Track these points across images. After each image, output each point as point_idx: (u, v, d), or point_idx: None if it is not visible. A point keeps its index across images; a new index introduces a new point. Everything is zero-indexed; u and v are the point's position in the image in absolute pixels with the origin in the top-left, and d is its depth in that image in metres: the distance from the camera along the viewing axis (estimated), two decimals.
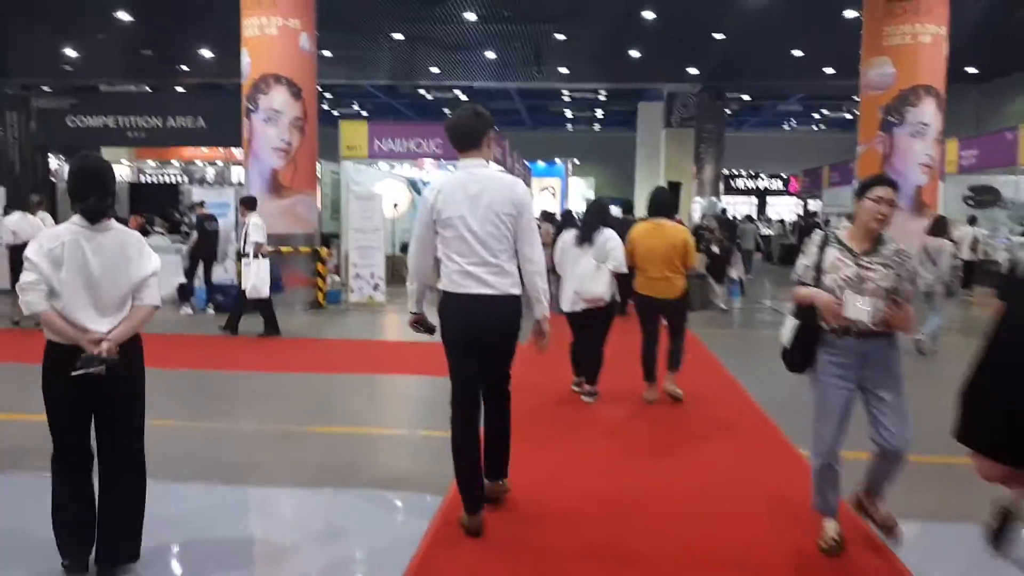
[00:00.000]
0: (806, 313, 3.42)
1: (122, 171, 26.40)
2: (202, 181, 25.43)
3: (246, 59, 11.70)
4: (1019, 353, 1.39)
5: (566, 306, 6.23)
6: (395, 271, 13.64)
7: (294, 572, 3.49)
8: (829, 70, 22.23)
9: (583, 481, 4.52)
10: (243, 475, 4.50)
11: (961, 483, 4.52)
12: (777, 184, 36.26)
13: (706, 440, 5.44)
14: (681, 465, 4.89)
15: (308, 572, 3.46)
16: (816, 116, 34.59)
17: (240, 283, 9.64)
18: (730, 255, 11.26)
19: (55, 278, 2.91)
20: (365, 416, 5.99)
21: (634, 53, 21.28)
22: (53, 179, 18.23)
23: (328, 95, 30.63)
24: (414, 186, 17.09)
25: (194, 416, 5.79)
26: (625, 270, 6.22)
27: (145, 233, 16.99)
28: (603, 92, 30.10)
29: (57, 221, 10.37)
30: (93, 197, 2.99)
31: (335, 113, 31.56)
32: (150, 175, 26.58)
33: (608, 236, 6.16)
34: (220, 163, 24.90)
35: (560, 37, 19.45)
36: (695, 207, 25.93)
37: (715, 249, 10.60)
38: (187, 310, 11.20)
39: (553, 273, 6.41)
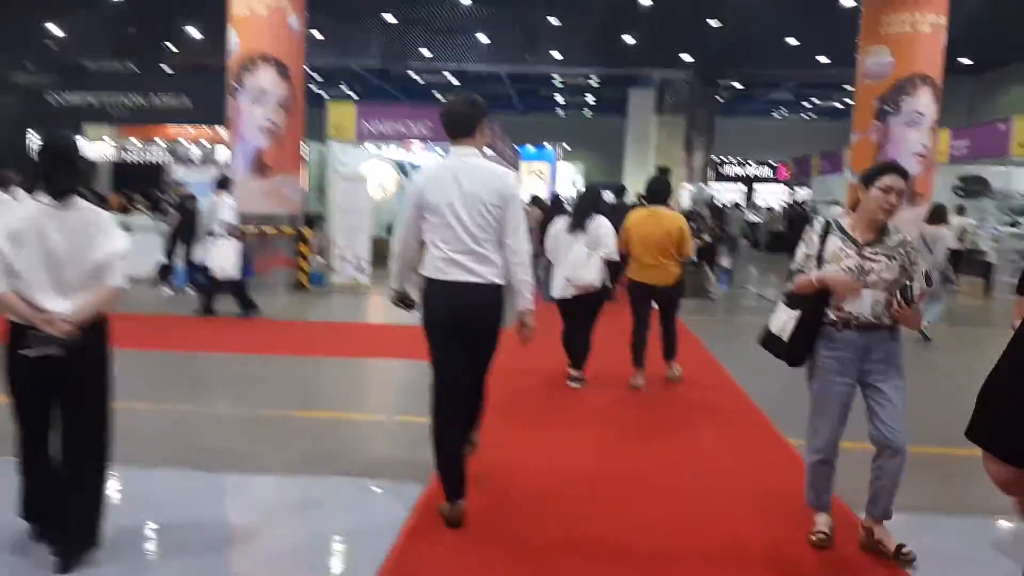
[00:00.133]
0: (807, 303, 3.27)
1: (105, 149, 26.05)
2: (187, 161, 25.11)
3: (233, 38, 11.46)
4: None
5: (556, 292, 6.19)
6: (380, 253, 13.46)
7: (269, 562, 3.37)
8: (823, 59, 22.12)
9: (568, 466, 4.44)
10: (217, 461, 4.35)
11: (955, 475, 4.47)
12: (765, 172, 36.24)
13: (693, 427, 5.38)
14: (668, 452, 4.79)
15: (284, 562, 3.33)
16: (807, 105, 34.52)
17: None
18: (722, 243, 11.17)
19: (15, 258, 2.80)
20: (344, 401, 5.86)
21: (627, 39, 21.10)
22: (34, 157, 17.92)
23: (318, 77, 30.29)
24: (401, 168, 16.88)
25: (169, 399, 5.63)
26: (617, 257, 6.19)
27: (126, 212, 16.77)
28: (595, 78, 29.90)
29: None
30: (59, 175, 2.92)
31: (324, 95, 31.20)
32: (134, 154, 26.23)
33: (600, 223, 6.12)
34: (205, 143, 24.58)
35: (553, 21, 19.25)
36: (684, 194, 25.83)
37: (707, 237, 10.50)
38: (167, 290, 11.01)
39: (544, 258, 6.36)
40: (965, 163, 16.35)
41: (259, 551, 3.46)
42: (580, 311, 6.26)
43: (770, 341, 3.40)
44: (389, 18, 19.34)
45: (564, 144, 32.49)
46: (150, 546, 3.41)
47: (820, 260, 3.26)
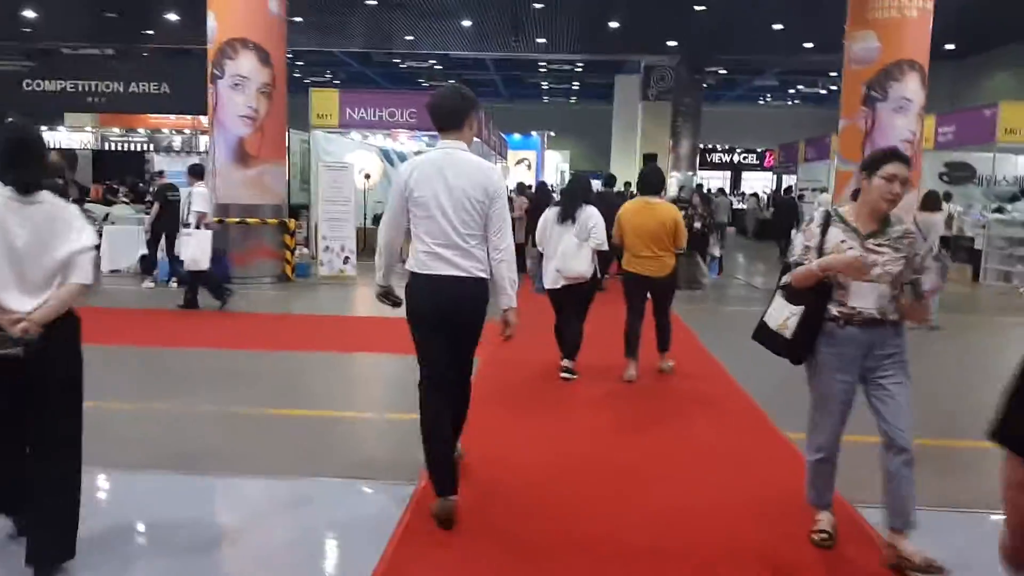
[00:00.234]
0: (808, 298, 3.13)
1: (85, 138, 25.65)
2: (168, 150, 24.74)
3: (212, 22, 11.21)
4: None
5: (547, 282, 6.18)
6: (366, 244, 13.32)
7: (257, 567, 3.26)
8: (809, 44, 22.05)
9: (562, 458, 4.37)
10: (201, 462, 4.22)
11: (956, 468, 4.41)
12: (751, 159, 36.26)
13: (687, 419, 5.32)
14: (663, 444, 4.71)
15: (273, 567, 3.22)
16: (792, 91, 34.51)
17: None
18: (712, 231, 11.10)
19: None
20: (332, 398, 5.73)
21: (613, 24, 20.91)
22: None
23: (300, 63, 29.93)
24: (387, 157, 16.70)
25: (150, 398, 5.48)
26: (607, 248, 6.16)
27: (108, 203, 16.50)
28: (580, 64, 29.72)
29: None
30: (23, 167, 2.79)
31: (307, 81, 30.84)
32: (115, 143, 25.84)
33: (590, 214, 6.10)
34: (188, 131, 24.24)
35: (538, 6, 19.02)
36: (671, 181, 25.75)
37: (697, 226, 10.44)
38: (149, 283, 10.82)
39: (534, 249, 6.32)
40: (951, 149, 16.35)
41: (246, 557, 3.35)
42: (572, 301, 6.23)
43: (767, 336, 3.27)
44: (371, 1, 19.00)
45: (550, 132, 32.36)
46: (131, 553, 3.28)
47: (821, 252, 3.13)
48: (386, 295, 3.80)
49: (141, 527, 3.51)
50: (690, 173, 26.14)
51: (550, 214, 6.31)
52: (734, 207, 28.09)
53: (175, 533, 3.42)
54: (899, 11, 10.51)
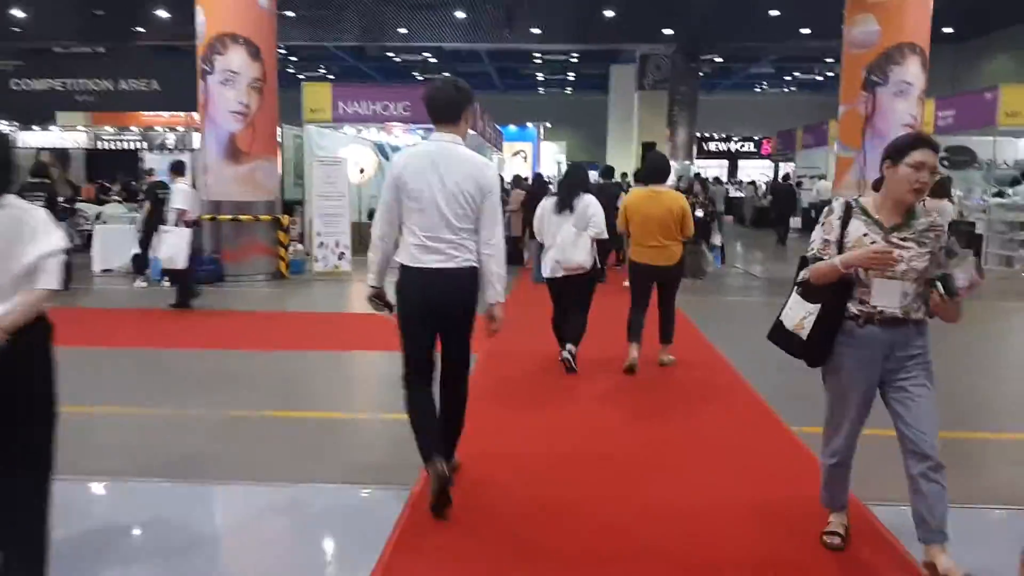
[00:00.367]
0: (826, 295, 2.93)
1: (78, 138, 25.44)
2: (162, 147, 24.53)
3: (201, 17, 11.03)
4: None
5: (546, 272, 6.11)
6: (362, 239, 13.15)
7: None
8: (806, 30, 21.86)
9: (562, 450, 4.28)
10: (191, 469, 4.08)
11: (961, 462, 4.27)
12: (748, 147, 36.08)
13: (690, 411, 5.21)
14: (665, 437, 4.58)
15: None
16: (788, 78, 34.33)
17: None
18: (714, 219, 10.94)
19: None
20: (326, 399, 5.59)
21: (608, 13, 20.72)
22: None
23: (293, 58, 29.73)
24: (381, 151, 16.52)
25: (142, 401, 5.35)
26: (606, 236, 6.08)
27: (101, 202, 16.33)
28: (575, 54, 29.52)
29: None
30: None
31: (301, 76, 30.63)
32: (108, 142, 25.64)
33: (588, 202, 6.00)
34: (181, 129, 24.04)
35: None
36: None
37: (699, 213, 10.27)
38: (141, 283, 10.67)
39: (533, 240, 6.29)
40: (951, 133, 16.19)
41: (239, 567, 3.24)
42: (571, 292, 6.16)
43: (782, 337, 3.07)
44: None
45: (546, 123, 32.19)
46: (120, 564, 3.15)
47: (841, 247, 2.92)
48: (378, 297, 3.69)
49: (130, 537, 3.38)
50: (687, 162, 25.97)
51: (547, 204, 6.24)
52: (730, 195, 28.01)
53: (165, 543, 3.29)
54: None
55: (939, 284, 2.80)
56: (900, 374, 2.93)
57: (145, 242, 10.79)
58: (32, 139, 25.09)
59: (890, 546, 3.23)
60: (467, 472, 3.95)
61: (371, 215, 14.47)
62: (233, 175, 10.97)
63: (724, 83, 35.21)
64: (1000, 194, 14.57)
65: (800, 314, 3.00)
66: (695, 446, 4.58)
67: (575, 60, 30.77)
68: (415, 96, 12.47)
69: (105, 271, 11.97)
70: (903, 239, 2.87)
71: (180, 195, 8.68)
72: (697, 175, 22.25)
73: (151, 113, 24.60)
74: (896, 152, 2.86)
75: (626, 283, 10.59)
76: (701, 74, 28.36)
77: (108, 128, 25.77)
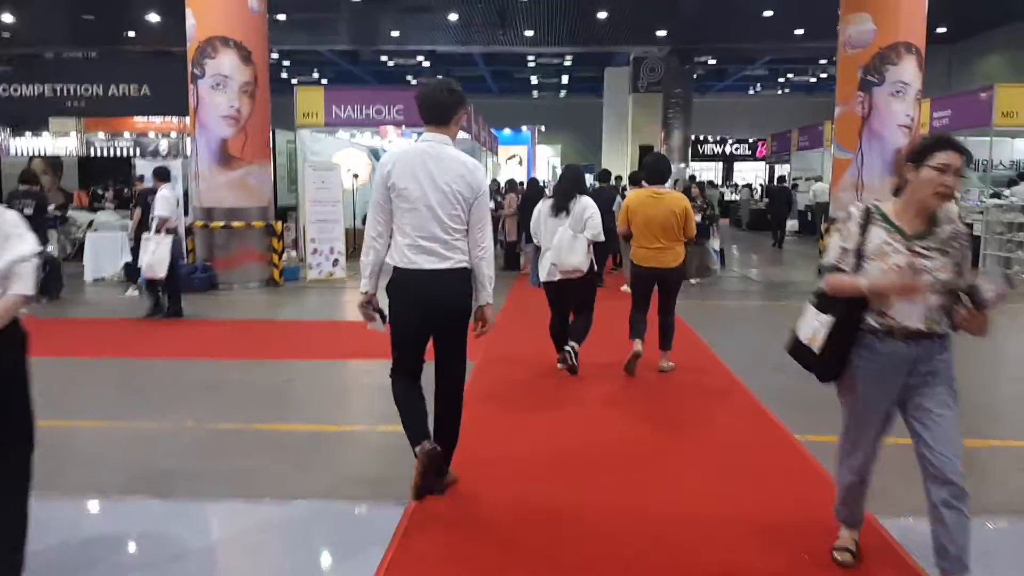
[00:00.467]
0: (840, 306, 2.78)
1: (70, 144, 25.29)
2: (155, 154, 24.40)
3: (191, 21, 10.92)
4: None
5: (543, 276, 6.05)
6: (357, 245, 13.04)
7: None
8: (800, 31, 21.82)
9: (560, 465, 4.14)
10: (179, 485, 3.96)
11: (976, 470, 4.16)
12: (743, 149, 36.07)
13: (690, 418, 5.07)
14: (665, 447, 4.46)
15: None
16: (781, 80, 34.33)
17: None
18: (714, 222, 10.85)
19: None
20: (320, 410, 5.46)
21: (601, 15, 20.65)
22: None
23: (287, 63, 29.61)
24: (376, 155, 16.41)
25: (130, 414, 5.22)
26: (603, 239, 6.00)
27: (93, 209, 16.18)
28: (569, 57, 29.47)
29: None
30: None
31: (295, 82, 30.52)
32: (101, 148, 25.50)
33: (585, 205, 5.94)
34: (174, 135, 23.91)
35: None
36: None
37: (697, 218, 10.17)
38: (133, 291, 10.53)
39: (530, 243, 6.26)
40: (947, 133, 16.15)
41: None
42: (571, 296, 6.11)
43: (799, 350, 2.92)
44: None
45: (541, 126, 32.12)
46: None
47: (860, 256, 2.73)
48: (369, 304, 3.62)
49: (111, 557, 3.25)
50: (682, 165, 25.91)
51: (543, 207, 6.19)
52: (725, 199, 27.95)
53: (148, 563, 3.17)
54: None
55: (966, 296, 2.62)
56: (922, 391, 2.77)
57: (137, 250, 10.65)
58: (24, 145, 24.99)
59: (903, 563, 3.12)
60: (464, 480, 3.85)
61: (365, 221, 14.39)
62: (225, 181, 10.85)
63: (717, 85, 35.20)
64: (997, 195, 14.50)
65: (813, 325, 2.86)
66: (696, 454, 4.47)
67: (569, 63, 30.71)
68: (409, 99, 12.35)
69: (97, 280, 11.82)
70: (926, 248, 2.68)
71: (162, 202, 8.49)
72: (692, 177, 22.19)
73: (144, 119, 24.51)
74: (919, 154, 2.68)
75: (623, 288, 10.61)
76: (695, 76, 28.34)
77: (101, 134, 25.66)
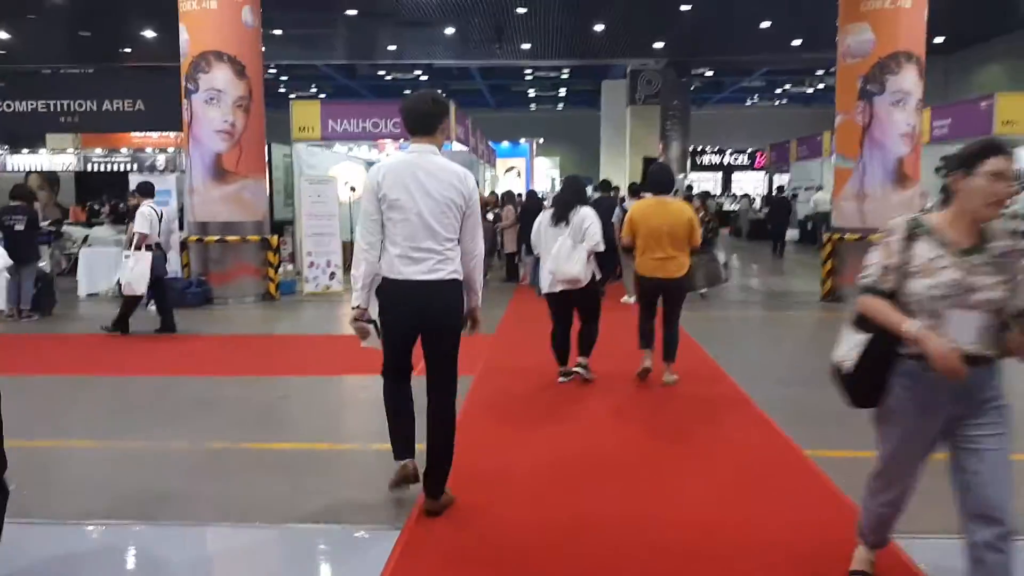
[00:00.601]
0: (879, 330, 2.51)
1: (67, 160, 25.23)
2: (152, 169, 24.34)
3: (184, 36, 10.84)
4: None
5: (544, 287, 6.01)
6: (353, 259, 12.91)
7: None
8: (797, 42, 21.79)
9: (561, 482, 3.98)
10: (167, 508, 3.80)
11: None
12: (742, 159, 36.07)
13: (696, 437, 4.91)
14: (670, 465, 4.31)
15: None
16: (778, 91, 34.35)
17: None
18: (716, 234, 10.73)
19: None
20: (313, 428, 5.30)
21: (598, 27, 20.62)
22: None
23: (284, 77, 29.60)
24: None
25: (118, 433, 5.07)
26: (602, 248, 5.94)
27: (89, 224, 16.06)
28: (566, 70, 29.47)
29: None
30: None
31: (293, 96, 30.50)
32: (97, 163, 25.45)
33: (585, 215, 5.89)
34: (171, 149, 23.87)
35: (521, 11, 18.70)
36: None
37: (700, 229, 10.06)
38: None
39: (530, 254, 6.24)
40: (946, 143, 16.07)
41: None
42: (574, 306, 6.06)
43: (834, 372, 2.66)
44: (352, 12, 18.61)
45: (539, 139, 32.10)
46: None
47: (904, 274, 2.48)
48: (361, 318, 3.55)
49: None
50: (681, 176, 25.84)
51: (544, 217, 6.15)
52: (723, 209, 27.89)
53: None
54: (893, 2, 10.17)
55: (1014, 318, 2.39)
56: (971, 420, 2.47)
57: None
58: (21, 161, 24.93)
59: None
60: (462, 498, 3.73)
61: None
62: (220, 195, 10.74)
63: (714, 97, 35.21)
64: None
65: (847, 346, 2.60)
66: (702, 467, 4.32)
67: (566, 76, 30.72)
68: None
69: (91, 295, 11.68)
70: (979, 265, 2.41)
71: (141, 219, 8.35)
72: (689, 187, 22.11)
73: (141, 134, 24.47)
74: (967, 160, 2.42)
75: (624, 298, 10.50)
76: (692, 88, 28.32)
77: (98, 150, 25.63)
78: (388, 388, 3.72)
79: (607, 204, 10.88)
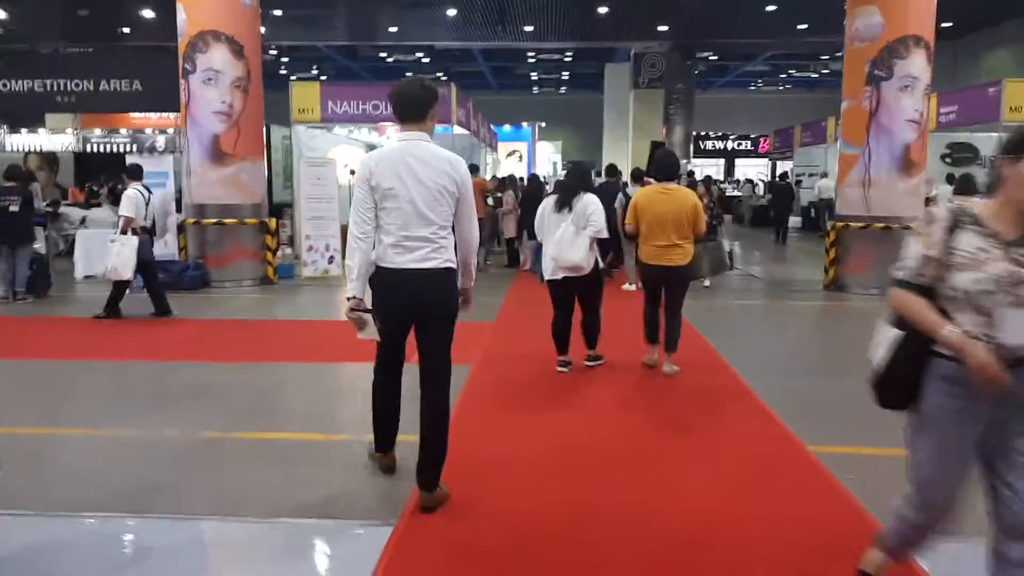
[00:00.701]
0: (913, 328, 2.31)
1: (66, 140, 25.07)
2: (151, 150, 24.16)
3: (181, 15, 10.67)
4: None
5: (547, 274, 5.92)
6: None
7: None
8: (803, 26, 21.53)
9: (562, 479, 3.87)
10: (155, 501, 3.72)
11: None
12: (745, 145, 35.84)
13: (700, 432, 4.81)
14: (672, 460, 4.22)
15: None
16: (783, 76, 34.07)
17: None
18: (721, 222, 10.60)
19: None
20: (307, 417, 5.21)
21: (602, 9, 20.37)
22: None
23: (285, 59, 29.36)
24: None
25: (109, 421, 4.98)
26: (606, 235, 5.86)
27: (87, 206, 15.94)
28: (569, 53, 29.20)
29: None
30: None
31: (294, 78, 30.25)
32: (97, 144, 25.29)
33: (588, 201, 5.79)
34: (171, 131, 23.69)
35: None
36: None
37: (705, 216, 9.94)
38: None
39: (532, 239, 6.20)
40: (953, 129, 15.90)
41: None
42: (576, 294, 5.98)
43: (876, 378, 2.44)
44: None
45: (541, 123, 31.89)
46: None
47: (947, 266, 2.26)
48: (358, 308, 3.46)
49: None
50: (684, 161, 25.64)
51: (547, 203, 6.06)
52: (726, 195, 27.69)
53: None
54: None
55: None
56: (1012, 427, 2.28)
57: None
58: (20, 141, 24.77)
59: None
60: (459, 490, 3.65)
61: None
62: (217, 177, 10.61)
63: (719, 81, 34.94)
64: None
65: (879, 340, 2.40)
66: (703, 460, 4.23)
67: (569, 59, 30.45)
68: None
69: (88, 277, 11.58)
70: None
71: (127, 202, 8.23)
72: (691, 173, 21.93)
73: (141, 115, 24.28)
74: (1016, 146, 2.23)
75: (625, 286, 10.40)
76: (696, 72, 28.06)
77: (97, 131, 25.43)
78: (378, 380, 3.75)
79: (612, 190, 10.75)
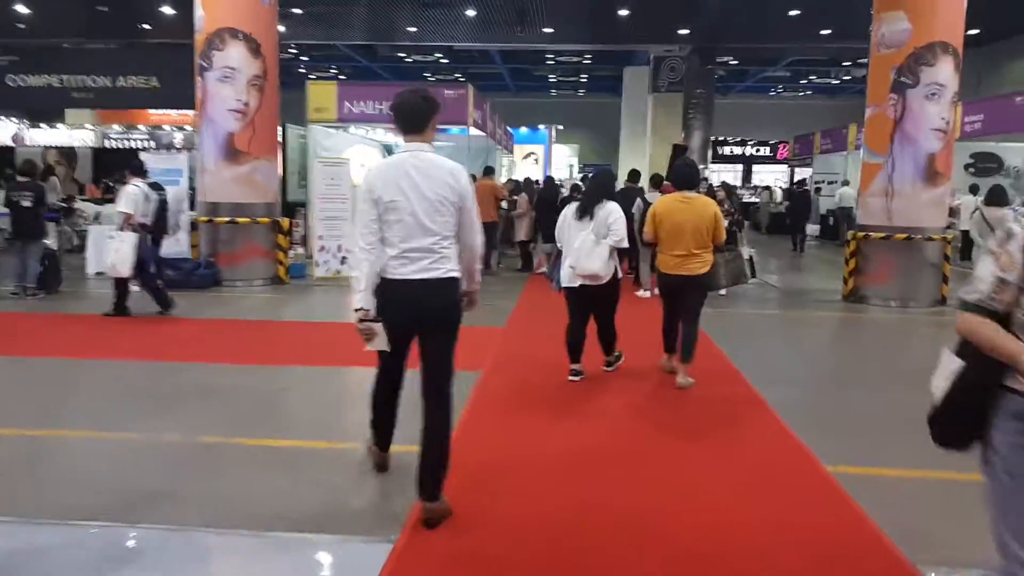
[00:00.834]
0: (976, 352, 2.03)
1: (85, 136, 25.21)
2: (169, 147, 24.26)
3: (199, 12, 10.63)
4: None
5: (564, 280, 5.85)
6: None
7: None
8: (826, 31, 21.26)
9: (571, 488, 3.75)
10: (150, 510, 3.61)
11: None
12: (764, 151, 35.54)
13: (713, 446, 4.64)
14: (683, 472, 4.07)
15: None
16: (804, 82, 33.74)
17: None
18: (741, 228, 10.39)
19: None
20: (312, 423, 5.09)
21: (622, 12, 20.20)
22: None
23: (304, 58, 29.39)
24: (389, 152, 16.10)
25: (109, 423, 4.89)
26: (627, 245, 5.81)
27: (102, 202, 15.96)
28: (588, 55, 29.05)
29: None
30: None
31: (311, 77, 30.29)
32: (115, 140, 25.41)
33: (610, 210, 5.72)
34: (189, 128, 23.76)
35: None
36: None
37: (724, 223, 9.73)
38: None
39: (548, 242, 6.15)
40: (978, 139, 15.62)
41: None
42: (592, 303, 5.92)
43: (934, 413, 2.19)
44: None
45: (558, 125, 31.75)
46: None
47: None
48: (366, 320, 3.41)
49: None
50: (702, 166, 25.41)
51: (568, 211, 5.98)
52: (743, 201, 27.41)
53: None
54: None
55: None
56: None
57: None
58: (40, 137, 24.94)
59: None
60: (463, 502, 3.53)
61: None
62: (231, 176, 10.55)
63: (738, 86, 34.65)
64: None
65: (941, 370, 2.14)
66: (714, 470, 4.09)
67: (588, 62, 30.29)
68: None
69: (99, 273, 11.54)
70: None
71: (125, 198, 8.18)
72: (705, 179, 21.70)
73: (159, 112, 24.37)
74: None
75: (638, 292, 10.23)
76: (716, 77, 27.81)
77: (116, 127, 25.58)
78: (378, 391, 3.80)
79: (632, 195, 10.60)
